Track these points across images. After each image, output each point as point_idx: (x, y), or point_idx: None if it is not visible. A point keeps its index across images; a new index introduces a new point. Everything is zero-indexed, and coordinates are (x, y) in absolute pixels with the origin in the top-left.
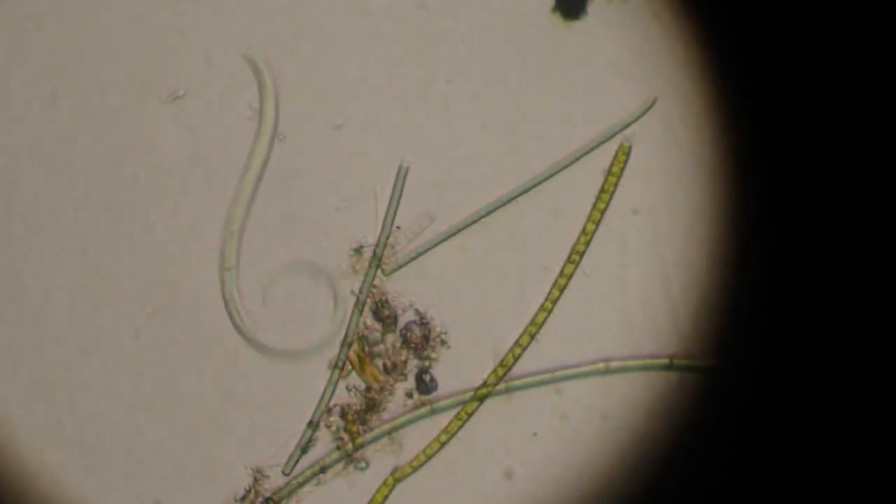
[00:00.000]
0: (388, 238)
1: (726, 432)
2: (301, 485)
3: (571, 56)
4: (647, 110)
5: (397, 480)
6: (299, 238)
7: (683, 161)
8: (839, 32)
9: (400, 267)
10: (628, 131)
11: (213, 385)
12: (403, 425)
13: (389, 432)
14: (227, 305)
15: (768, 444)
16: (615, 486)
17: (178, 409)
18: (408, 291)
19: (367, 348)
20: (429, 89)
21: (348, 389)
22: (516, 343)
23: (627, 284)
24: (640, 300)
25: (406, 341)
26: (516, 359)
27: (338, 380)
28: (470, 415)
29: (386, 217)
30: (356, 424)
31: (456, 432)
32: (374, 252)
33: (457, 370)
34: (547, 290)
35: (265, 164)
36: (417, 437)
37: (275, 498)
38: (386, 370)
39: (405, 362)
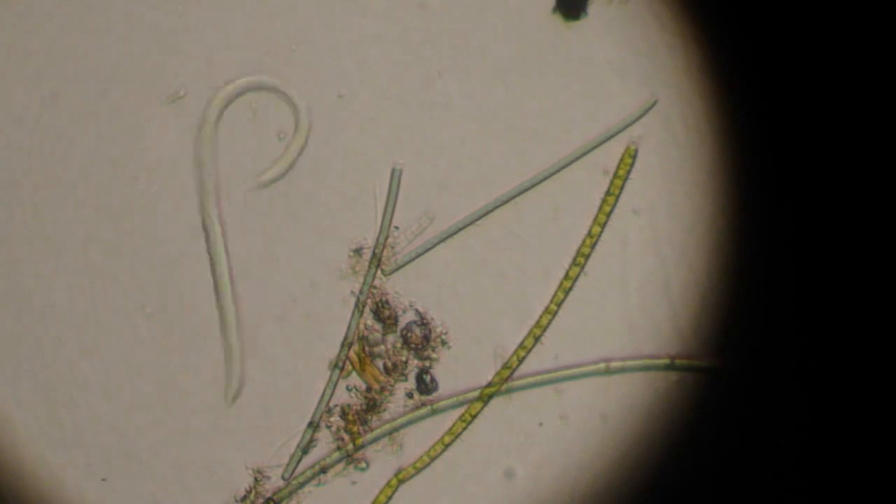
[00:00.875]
0: (385, 240)
1: (726, 432)
2: (302, 485)
3: (571, 56)
4: (647, 111)
5: (401, 482)
6: (299, 238)
7: (683, 161)
8: (839, 32)
9: (399, 267)
10: (633, 134)
11: (212, 385)
12: (404, 426)
13: (390, 433)
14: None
15: (768, 444)
16: (615, 487)
17: (178, 409)
18: (408, 292)
19: (367, 349)
20: (429, 89)
21: (348, 389)
22: (520, 345)
23: (627, 284)
24: (640, 300)
25: (406, 342)
26: (521, 361)
27: (338, 380)
28: (474, 416)
29: (383, 220)
30: (357, 425)
31: (460, 434)
32: (373, 253)
33: (457, 370)
34: (548, 290)
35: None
36: (418, 437)
37: (275, 498)
38: (386, 370)
39: (406, 363)
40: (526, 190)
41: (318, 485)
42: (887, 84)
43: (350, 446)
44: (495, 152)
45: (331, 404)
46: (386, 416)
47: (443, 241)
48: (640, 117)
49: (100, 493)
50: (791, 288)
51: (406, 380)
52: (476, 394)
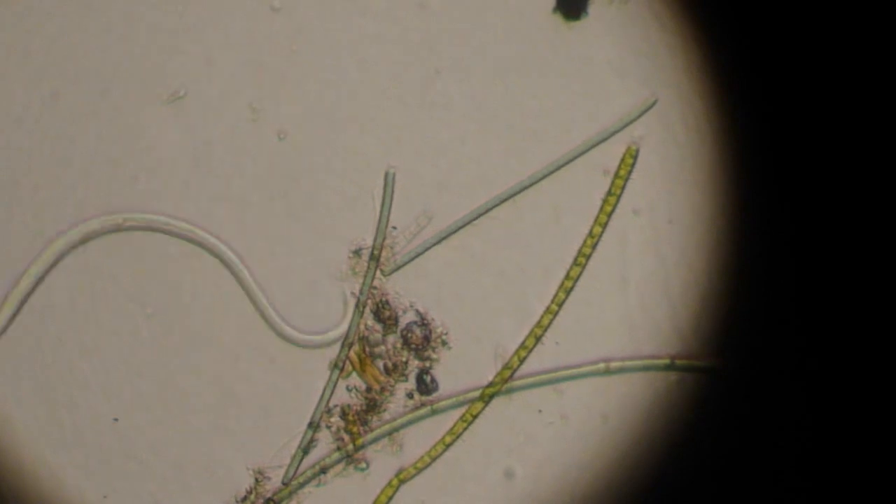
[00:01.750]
0: (383, 241)
1: (726, 432)
2: (302, 485)
3: (571, 56)
4: (646, 110)
5: (402, 482)
6: (299, 238)
7: (683, 161)
8: (839, 32)
9: (399, 267)
10: (634, 134)
11: (213, 385)
12: (404, 426)
13: (390, 433)
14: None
15: (768, 444)
16: (615, 486)
17: (178, 409)
18: (408, 292)
19: (367, 349)
20: (429, 89)
21: (349, 390)
22: (522, 345)
23: (627, 284)
24: (640, 300)
25: (407, 342)
26: (522, 361)
27: (337, 380)
28: (475, 417)
29: (379, 223)
30: (357, 425)
31: (461, 434)
32: (371, 254)
33: (458, 371)
34: (548, 290)
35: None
36: (418, 437)
37: (275, 499)
38: (387, 371)
39: (406, 363)
40: (524, 189)
41: (318, 485)
42: (887, 84)
43: (350, 446)
44: (495, 152)
45: (331, 404)
46: (386, 416)
47: (441, 240)
48: (639, 116)
49: (100, 493)
50: (791, 288)
51: (406, 380)
52: (477, 394)
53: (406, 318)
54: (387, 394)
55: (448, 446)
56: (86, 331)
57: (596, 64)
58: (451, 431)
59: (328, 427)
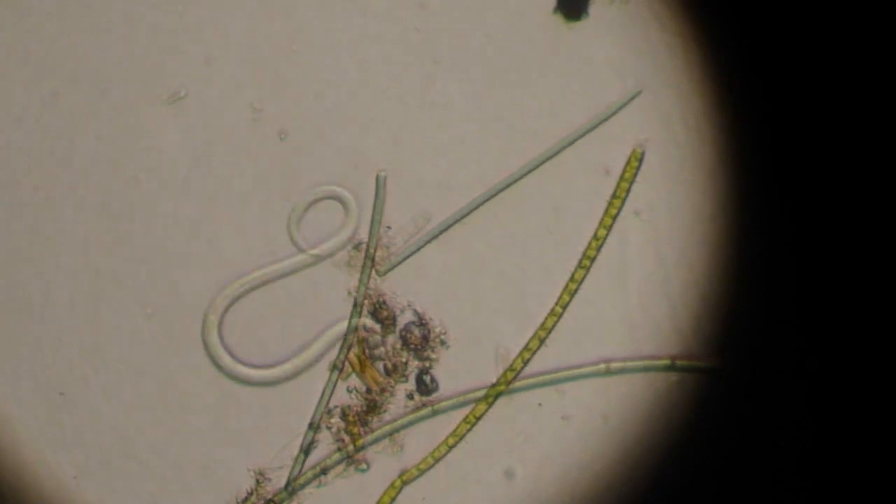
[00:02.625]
0: (377, 243)
1: (726, 432)
2: (303, 486)
3: (571, 56)
4: (631, 99)
5: (405, 483)
6: (299, 237)
7: (683, 161)
8: (839, 32)
9: (393, 267)
10: (640, 137)
11: (212, 385)
12: (405, 426)
13: (390, 434)
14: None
15: (768, 444)
16: (615, 486)
17: (178, 409)
18: (407, 292)
19: (367, 350)
20: (429, 89)
21: (349, 391)
22: (525, 347)
23: (627, 284)
24: (640, 300)
25: (406, 342)
26: (525, 363)
27: (337, 381)
28: (478, 418)
29: (372, 225)
30: (357, 426)
31: (465, 435)
32: (366, 255)
33: (457, 371)
34: (547, 290)
35: None
36: (419, 438)
37: (276, 500)
38: (387, 372)
39: (406, 364)
40: (514, 182)
41: (318, 486)
42: (887, 84)
43: (351, 447)
44: (495, 152)
45: (331, 405)
46: (386, 417)
47: (434, 238)
48: (624, 105)
49: (100, 493)
50: (791, 288)
51: (406, 381)
52: (479, 394)
53: (404, 319)
54: (387, 395)
55: (451, 448)
56: (86, 331)
57: (596, 64)
58: (454, 433)
59: (328, 428)
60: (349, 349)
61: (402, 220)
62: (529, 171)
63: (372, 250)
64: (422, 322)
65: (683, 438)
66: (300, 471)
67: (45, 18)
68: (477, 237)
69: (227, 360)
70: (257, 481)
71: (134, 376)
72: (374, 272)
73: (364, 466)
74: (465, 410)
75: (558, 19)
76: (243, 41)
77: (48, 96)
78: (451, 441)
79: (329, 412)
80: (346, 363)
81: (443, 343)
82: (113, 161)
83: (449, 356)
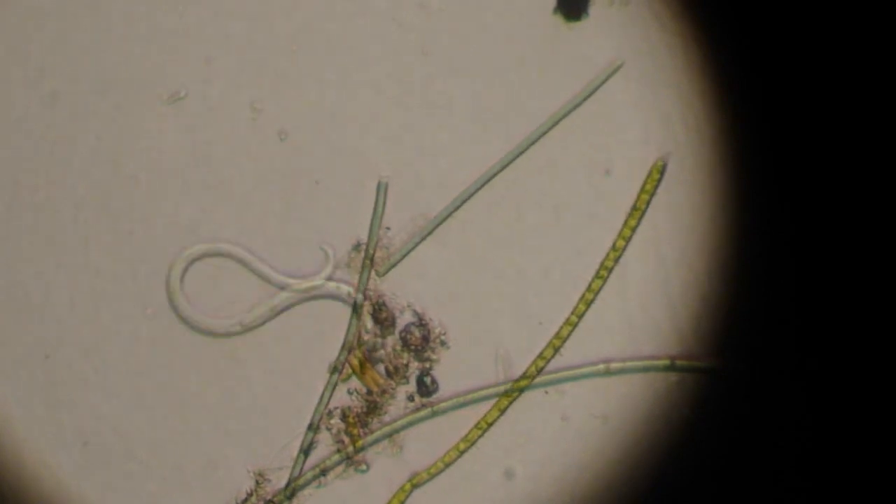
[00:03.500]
0: (376, 245)
1: (726, 432)
2: (302, 487)
3: (571, 56)
4: (613, 73)
5: (415, 486)
6: (299, 237)
7: (683, 161)
8: (839, 32)
9: (392, 266)
10: (664, 150)
11: (213, 385)
12: (404, 427)
13: (390, 435)
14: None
15: (768, 444)
16: (615, 487)
17: (178, 409)
18: (407, 292)
19: (367, 352)
20: (429, 89)
21: (349, 392)
22: (539, 355)
23: (627, 284)
24: (640, 300)
25: (406, 343)
26: (539, 371)
27: (337, 383)
28: (490, 424)
29: (371, 229)
30: (357, 427)
31: (476, 441)
32: (365, 256)
33: (458, 372)
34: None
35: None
36: (418, 439)
37: (275, 500)
38: (387, 373)
39: (406, 365)
40: (504, 168)
41: (318, 486)
42: (887, 84)
43: (350, 448)
44: (495, 152)
45: (331, 406)
46: (386, 418)
47: (430, 233)
48: (606, 80)
49: (100, 493)
50: (791, 288)
51: (407, 382)
52: (479, 395)
53: (404, 319)
54: (387, 396)
55: (462, 453)
56: (86, 331)
57: (596, 64)
58: (465, 438)
59: (328, 429)
60: (349, 351)
61: (401, 221)
62: (517, 156)
63: (371, 252)
64: (422, 323)
65: (683, 438)
66: (300, 471)
67: (45, 18)
68: (477, 237)
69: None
70: (257, 482)
71: (134, 376)
72: (373, 273)
73: (364, 467)
74: (467, 412)
75: (558, 19)
76: (243, 41)
77: (48, 96)
78: (461, 446)
79: (329, 413)
80: (347, 365)
81: (443, 344)
82: (113, 161)
83: (449, 357)
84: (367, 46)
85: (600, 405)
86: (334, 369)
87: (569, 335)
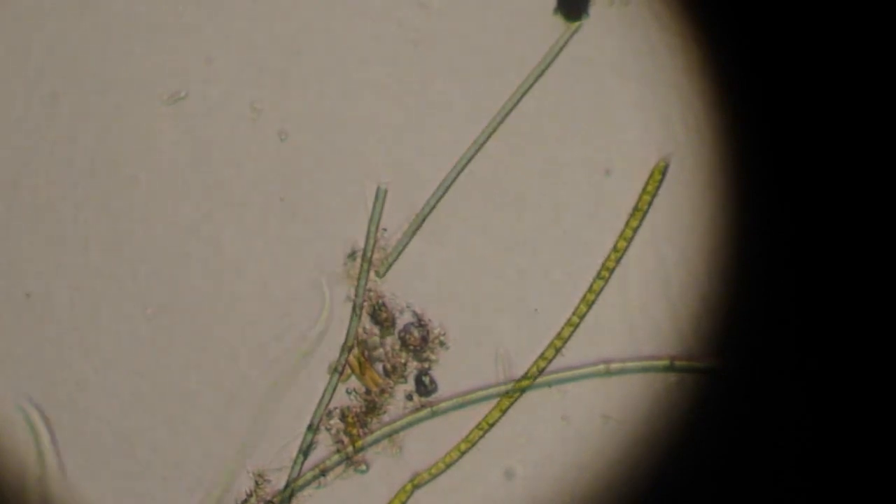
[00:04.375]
0: (374, 245)
1: (726, 432)
2: (302, 488)
3: (571, 56)
4: (573, 33)
5: (416, 487)
6: (299, 237)
7: (684, 161)
8: (839, 32)
9: (390, 265)
10: (665, 151)
11: (213, 385)
12: (404, 427)
13: (390, 434)
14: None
15: (768, 444)
16: (615, 487)
17: (178, 409)
18: (408, 293)
19: (366, 352)
20: (429, 89)
21: (348, 392)
22: (541, 356)
23: (627, 284)
24: (640, 300)
25: (405, 343)
26: (540, 371)
27: (337, 384)
28: (492, 425)
29: (368, 235)
30: (356, 427)
31: (477, 441)
32: (362, 260)
33: (457, 371)
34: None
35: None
36: (418, 439)
37: (275, 501)
38: (386, 373)
39: (405, 364)
40: (484, 142)
41: (318, 487)
42: (887, 84)
43: (350, 448)
44: (495, 152)
45: (330, 407)
46: (385, 418)
47: (419, 227)
48: (567, 40)
49: (100, 493)
50: (791, 288)
51: (406, 382)
52: (478, 395)
53: (403, 320)
54: (386, 396)
55: (464, 453)
56: (86, 331)
57: (596, 64)
58: (466, 439)
59: (328, 429)
60: (349, 351)
61: (400, 221)
62: (493, 130)
63: (370, 253)
64: (421, 323)
65: (683, 438)
66: (299, 472)
67: (45, 18)
68: (477, 237)
69: None
70: (256, 482)
71: (134, 376)
72: (373, 274)
73: (363, 467)
74: (467, 412)
75: (558, 19)
76: (243, 41)
77: (48, 96)
78: (462, 447)
79: (328, 414)
80: (346, 365)
81: (442, 344)
82: (113, 161)
83: (448, 357)
84: (367, 46)
85: (600, 405)
86: (335, 370)
87: (570, 336)
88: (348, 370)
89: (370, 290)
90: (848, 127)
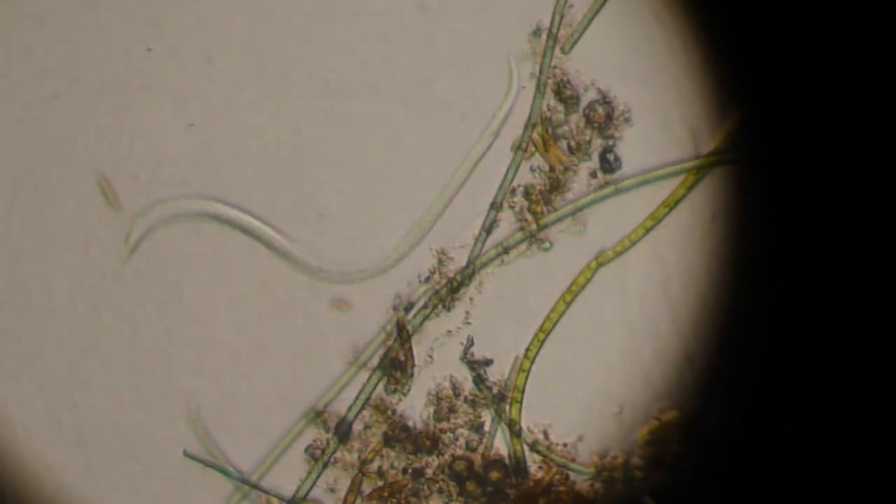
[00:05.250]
0: (561, 19)
1: (726, 432)
2: (484, 265)
3: (571, 57)
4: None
5: (600, 264)
6: (299, 238)
7: (683, 161)
8: (839, 32)
9: (576, 41)
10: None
11: (214, 384)
12: (587, 205)
13: (573, 213)
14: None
15: (768, 444)
16: (615, 486)
17: (179, 408)
18: (589, 70)
19: (550, 130)
20: (429, 89)
21: (532, 170)
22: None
23: (627, 285)
24: (640, 300)
25: (589, 120)
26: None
27: (521, 161)
28: (678, 201)
29: (555, 8)
30: (540, 205)
31: (663, 218)
32: (548, 35)
33: (641, 148)
34: None
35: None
36: (601, 216)
37: (457, 278)
38: (570, 150)
39: (589, 142)
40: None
41: (500, 265)
42: (887, 84)
43: (533, 226)
44: (495, 152)
45: (514, 184)
46: (569, 195)
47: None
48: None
49: (100, 493)
50: (791, 288)
51: (590, 159)
52: (662, 172)
53: (588, 97)
54: (570, 173)
55: (648, 231)
56: (86, 331)
57: (596, 64)
58: (652, 216)
59: (511, 207)
60: (533, 128)
61: (400, 220)
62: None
63: (555, 30)
64: (606, 100)
65: (683, 438)
66: (481, 249)
67: (45, 18)
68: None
69: None
70: (440, 260)
71: (134, 376)
72: (558, 50)
73: (547, 245)
74: (649, 189)
75: (557, 21)
76: (243, 41)
77: (48, 96)
78: (648, 224)
79: (512, 191)
80: (530, 142)
81: (626, 121)
82: (113, 160)
83: (633, 134)
84: (367, 46)
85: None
86: (518, 147)
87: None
88: (532, 147)
89: (554, 67)
90: (848, 127)
